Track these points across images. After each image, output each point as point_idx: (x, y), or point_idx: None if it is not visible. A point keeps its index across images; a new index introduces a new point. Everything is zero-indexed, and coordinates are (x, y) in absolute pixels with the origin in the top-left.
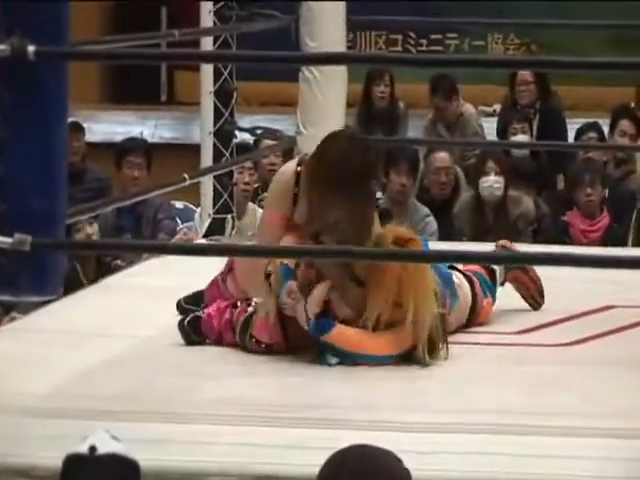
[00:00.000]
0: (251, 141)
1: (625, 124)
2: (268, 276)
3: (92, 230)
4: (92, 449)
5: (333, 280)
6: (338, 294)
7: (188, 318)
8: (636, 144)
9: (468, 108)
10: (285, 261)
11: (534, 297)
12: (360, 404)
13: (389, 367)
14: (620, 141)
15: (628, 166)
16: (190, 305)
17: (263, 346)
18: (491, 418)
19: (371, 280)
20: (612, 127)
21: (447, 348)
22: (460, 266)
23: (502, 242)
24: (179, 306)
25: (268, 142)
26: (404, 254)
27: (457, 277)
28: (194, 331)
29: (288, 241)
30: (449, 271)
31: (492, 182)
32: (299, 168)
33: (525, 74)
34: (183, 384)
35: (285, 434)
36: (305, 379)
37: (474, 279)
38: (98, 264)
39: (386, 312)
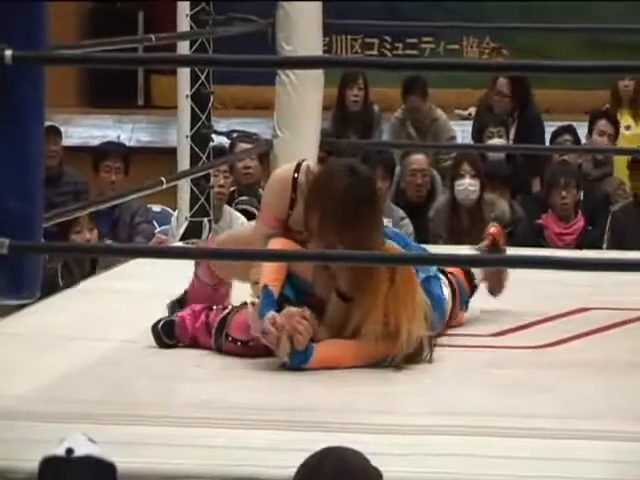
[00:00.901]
0: (227, 144)
1: (603, 124)
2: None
3: (91, 235)
4: (69, 451)
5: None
6: (314, 315)
7: (162, 322)
8: (610, 146)
9: (441, 114)
10: (269, 284)
11: (494, 286)
12: (337, 407)
13: (366, 369)
14: (599, 140)
15: (606, 167)
16: (179, 306)
17: (239, 344)
18: (468, 420)
19: (359, 297)
20: (590, 128)
21: (431, 353)
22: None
23: (492, 230)
24: (169, 308)
25: (244, 145)
26: (391, 258)
27: (445, 288)
28: (167, 334)
29: (276, 245)
30: (441, 294)
31: (467, 185)
32: (296, 175)
33: (502, 87)
34: (160, 387)
35: (261, 436)
36: (281, 382)
37: (457, 290)
38: (93, 267)
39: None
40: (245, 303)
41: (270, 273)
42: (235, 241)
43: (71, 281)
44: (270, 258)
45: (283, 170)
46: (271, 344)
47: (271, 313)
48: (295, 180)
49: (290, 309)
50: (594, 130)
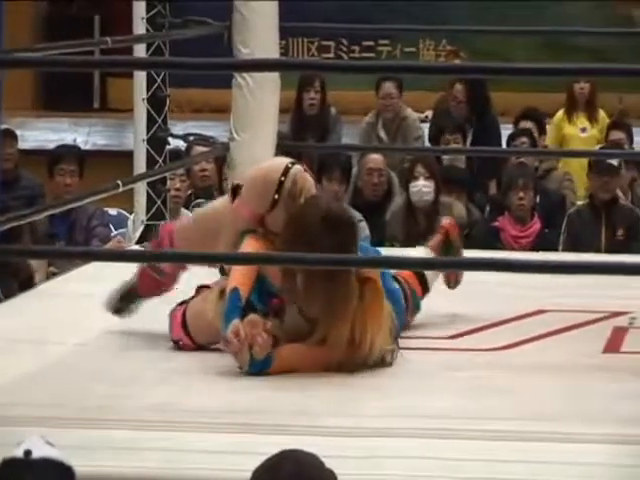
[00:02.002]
0: (183, 148)
1: (526, 124)
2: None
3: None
4: (27, 453)
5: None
6: (277, 322)
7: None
8: (567, 149)
9: (411, 113)
10: (239, 287)
11: (451, 279)
12: (292, 409)
13: (323, 372)
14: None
15: (550, 162)
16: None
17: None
18: (425, 423)
19: (324, 320)
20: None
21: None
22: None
23: (445, 223)
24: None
25: (200, 148)
26: (348, 260)
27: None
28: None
29: (250, 246)
30: (395, 288)
31: (421, 186)
32: (283, 178)
33: (458, 92)
34: (116, 391)
35: (217, 439)
36: (237, 384)
37: (409, 295)
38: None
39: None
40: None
41: (240, 276)
42: (204, 221)
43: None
44: (221, 260)
45: (271, 169)
46: (231, 353)
47: (235, 323)
48: (281, 183)
49: (253, 318)
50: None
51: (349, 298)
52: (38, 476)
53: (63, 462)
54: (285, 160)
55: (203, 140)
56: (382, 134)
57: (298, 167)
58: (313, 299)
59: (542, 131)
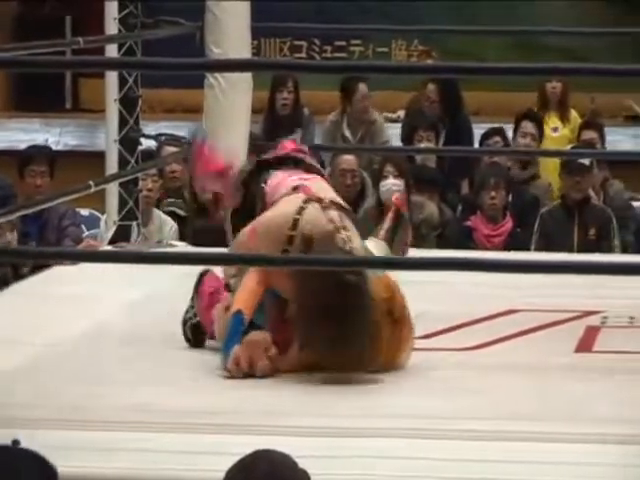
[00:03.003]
0: (155, 148)
1: (527, 125)
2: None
3: (12, 237)
4: (15, 442)
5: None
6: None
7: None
8: (539, 148)
9: (379, 117)
10: (243, 310)
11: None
12: (265, 409)
13: (291, 374)
14: (522, 142)
15: (532, 169)
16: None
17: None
18: (398, 423)
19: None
20: (515, 129)
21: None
22: None
23: (395, 199)
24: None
25: (171, 149)
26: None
27: None
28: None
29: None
30: None
31: (390, 185)
32: (293, 233)
33: (431, 93)
34: (94, 391)
35: (190, 440)
36: (209, 385)
37: None
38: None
39: None
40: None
41: (243, 299)
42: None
43: None
44: (209, 262)
45: (280, 224)
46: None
47: (236, 352)
48: (291, 238)
49: (254, 338)
50: (518, 132)
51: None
52: (28, 465)
53: (48, 460)
54: (295, 207)
55: (174, 140)
56: (347, 133)
57: (309, 211)
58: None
59: (542, 133)
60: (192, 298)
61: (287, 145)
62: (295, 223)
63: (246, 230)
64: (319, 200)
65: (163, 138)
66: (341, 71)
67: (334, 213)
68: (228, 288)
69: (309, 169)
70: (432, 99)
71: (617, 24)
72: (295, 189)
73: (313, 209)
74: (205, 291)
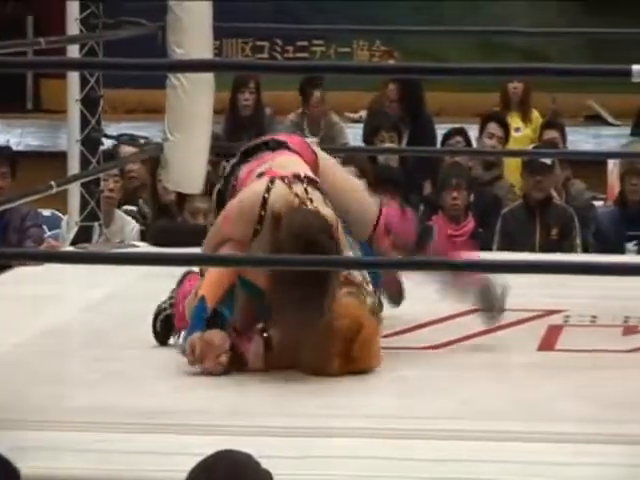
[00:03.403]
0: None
1: (493, 127)
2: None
3: None
4: None
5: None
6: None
7: (160, 317)
8: (503, 149)
9: (339, 121)
10: (206, 297)
11: (394, 295)
12: (228, 410)
13: (259, 372)
14: (488, 143)
15: (496, 170)
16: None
17: None
18: (365, 422)
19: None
20: (481, 130)
21: None
22: None
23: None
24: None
25: (129, 149)
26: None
27: None
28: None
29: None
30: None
31: None
32: (262, 212)
33: (391, 92)
34: (54, 392)
35: (154, 440)
36: (173, 385)
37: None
38: None
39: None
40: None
41: (210, 284)
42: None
43: None
44: (163, 262)
45: (251, 204)
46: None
47: (194, 338)
48: (261, 218)
49: (210, 337)
50: (484, 133)
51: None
52: None
53: (10, 461)
54: (262, 187)
55: (131, 140)
56: (308, 134)
57: (276, 189)
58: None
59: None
60: (172, 290)
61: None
62: (264, 201)
63: (219, 219)
64: (282, 178)
65: (126, 139)
66: (303, 71)
67: (299, 187)
68: (201, 274)
69: (290, 150)
70: (392, 98)
71: (575, 24)
72: (260, 175)
73: (279, 186)
74: (185, 286)
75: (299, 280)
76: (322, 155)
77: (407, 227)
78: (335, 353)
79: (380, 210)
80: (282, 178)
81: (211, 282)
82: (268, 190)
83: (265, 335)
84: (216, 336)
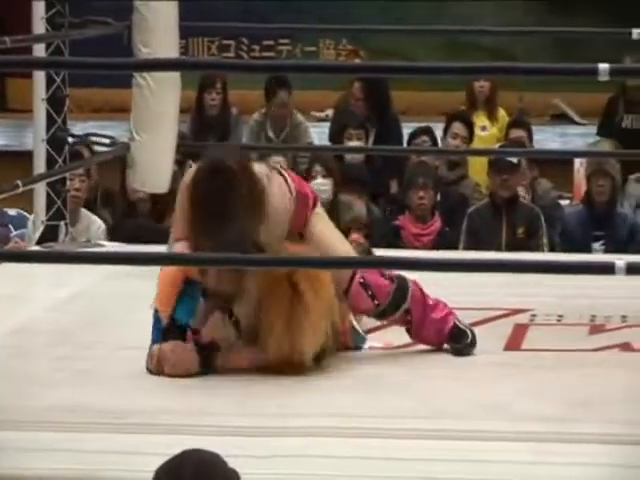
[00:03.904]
0: (81, 148)
1: (457, 127)
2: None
3: None
4: None
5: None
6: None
7: None
8: (469, 148)
9: (303, 120)
10: (160, 309)
11: None
12: (195, 409)
13: (225, 374)
14: (452, 143)
15: (460, 170)
16: None
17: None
18: (327, 421)
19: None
20: (446, 130)
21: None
22: None
23: (354, 237)
24: None
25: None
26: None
27: None
28: None
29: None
30: None
31: (319, 185)
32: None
33: (356, 90)
34: (16, 391)
35: (121, 440)
36: (140, 384)
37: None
38: None
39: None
40: None
41: (161, 294)
42: None
43: None
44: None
45: (183, 181)
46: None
47: (156, 348)
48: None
49: (157, 352)
50: (448, 133)
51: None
52: None
53: None
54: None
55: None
56: (271, 134)
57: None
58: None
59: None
60: None
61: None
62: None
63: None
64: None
65: (93, 138)
66: (270, 70)
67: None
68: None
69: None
70: (357, 97)
71: (541, 24)
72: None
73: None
74: None
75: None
76: (321, 212)
77: (383, 286)
78: (280, 277)
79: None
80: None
81: (162, 291)
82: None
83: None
84: (169, 352)
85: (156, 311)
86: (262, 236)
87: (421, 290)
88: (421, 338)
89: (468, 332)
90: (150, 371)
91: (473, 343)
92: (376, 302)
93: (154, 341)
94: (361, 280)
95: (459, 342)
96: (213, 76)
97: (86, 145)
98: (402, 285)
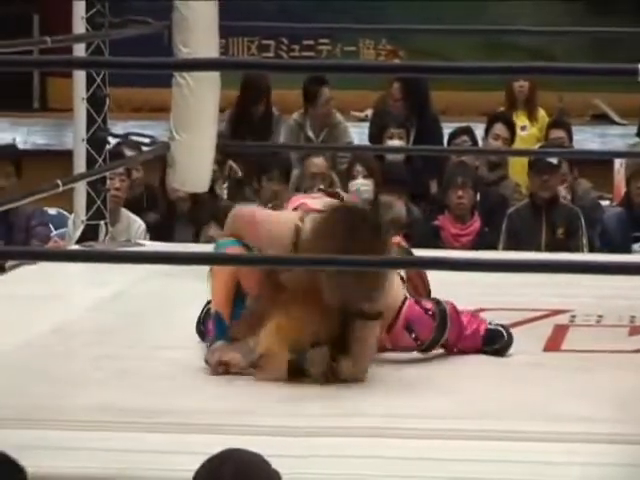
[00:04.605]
0: (123, 148)
1: (499, 128)
2: None
3: None
4: None
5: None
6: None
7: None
8: (509, 148)
9: (342, 120)
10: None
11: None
12: (235, 409)
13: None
14: (494, 144)
15: (501, 170)
16: None
17: None
18: (366, 422)
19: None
20: (487, 131)
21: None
22: None
23: (396, 240)
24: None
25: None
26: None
27: None
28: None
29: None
30: None
31: (360, 185)
32: (295, 240)
33: (395, 91)
34: (55, 391)
35: (158, 439)
36: (177, 384)
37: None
38: None
39: None
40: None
41: (217, 297)
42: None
43: None
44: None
45: (283, 225)
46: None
47: (218, 347)
48: (297, 232)
49: (232, 359)
50: (490, 134)
51: None
52: None
53: (16, 460)
54: (293, 219)
55: (138, 140)
56: (310, 134)
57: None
58: None
59: (513, 136)
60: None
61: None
62: (298, 231)
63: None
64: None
65: (133, 137)
66: (309, 70)
67: None
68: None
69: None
70: (396, 97)
71: (579, 24)
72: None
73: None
74: None
75: None
76: None
77: (427, 326)
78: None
79: (403, 302)
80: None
81: (218, 291)
82: (302, 220)
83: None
84: (234, 360)
85: (217, 314)
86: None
87: (457, 311)
88: (457, 350)
89: (502, 331)
90: (207, 364)
91: (510, 341)
92: (419, 342)
93: (217, 337)
94: (405, 322)
95: (494, 343)
96: (260, 87)
97: (127, 144)
98: (443, 318)
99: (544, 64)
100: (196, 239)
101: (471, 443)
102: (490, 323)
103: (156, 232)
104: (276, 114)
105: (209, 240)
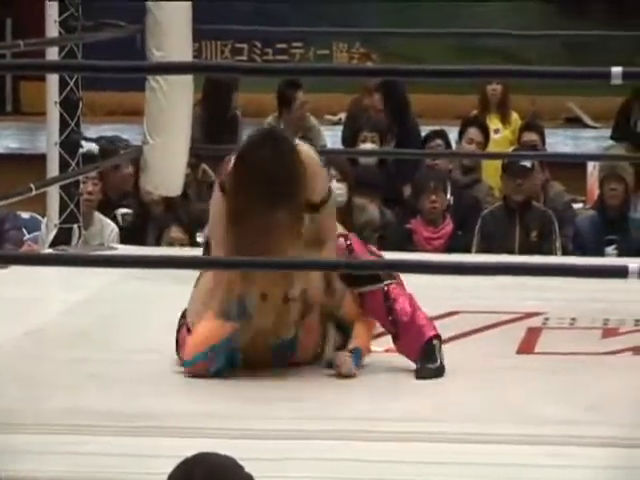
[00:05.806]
0: (96, 151)
1: (473, 132)
2: None
3: None
4: None
5: None
6: None
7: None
8: (483, 152)
9: (316, 123)
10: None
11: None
12: (207, 412)
13: (236, 377)
14: (467, 148)
15: (474, 174)
16: None
17: None
18: (339, 425)
19: None
20: (461, 135)
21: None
22: None
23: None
24: None
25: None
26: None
27: None
28: None
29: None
30: None
31: (334, 189)
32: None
33: (377, 101)
34: (27, 394)
35: (131, 443)
36: (150, 388)
37: None
38: None
39: None
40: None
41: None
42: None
43: None
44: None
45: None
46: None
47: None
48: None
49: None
50: (464, 138)
51: None
52: None
53: None
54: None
55: (112, 143)
56: None
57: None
58: None
59: (487, 140)
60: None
61: None
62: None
63: None
64: None
65: (106, 141)
66: (283, 74)
67: None
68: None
69: None
70: (378, 108)
71: (551, 27)
72: None
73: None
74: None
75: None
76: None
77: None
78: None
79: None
80: None
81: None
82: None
83: None
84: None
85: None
86: (314, 196)
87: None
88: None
89: (437, 357)
90: None
91: (439, 373)
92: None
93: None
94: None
95: (429, 361)
96: (220, 82)
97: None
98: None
99: (518, 67)
100: (158, 242)
101: (451, 446)
102: (439, 337)
103: (128, 235)
104: (239, 116)
105: (171, 242)
